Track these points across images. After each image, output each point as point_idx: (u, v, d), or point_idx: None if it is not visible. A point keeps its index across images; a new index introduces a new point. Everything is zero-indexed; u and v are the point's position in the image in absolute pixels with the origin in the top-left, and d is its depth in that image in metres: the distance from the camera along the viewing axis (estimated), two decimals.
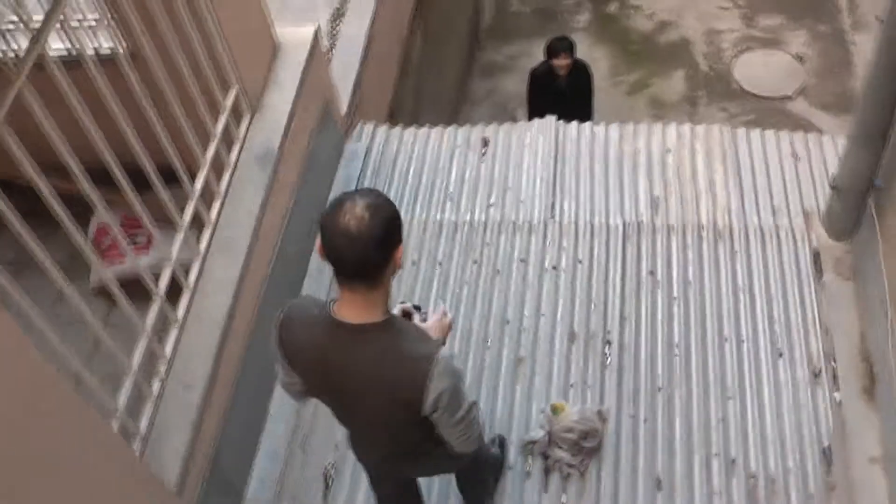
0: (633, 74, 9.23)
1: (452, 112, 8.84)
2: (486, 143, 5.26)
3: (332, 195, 5.07)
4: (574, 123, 5.33)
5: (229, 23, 4.18)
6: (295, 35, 4.87)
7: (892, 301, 3.82)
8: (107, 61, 3.45)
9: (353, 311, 2.51)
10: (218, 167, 4.26)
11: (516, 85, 7.97)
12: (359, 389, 2.62)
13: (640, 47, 9.51)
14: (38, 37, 2.99)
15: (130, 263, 3.68)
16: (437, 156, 5.27)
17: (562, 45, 6.91)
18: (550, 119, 5.36)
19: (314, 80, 4.87)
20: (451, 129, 5.41)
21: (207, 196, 4.15)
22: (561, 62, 6.85)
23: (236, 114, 4.41)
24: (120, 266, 4.66)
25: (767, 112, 8.80)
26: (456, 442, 2.81)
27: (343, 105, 5.30)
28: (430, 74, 7.80)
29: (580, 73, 7.04)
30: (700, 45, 9.49)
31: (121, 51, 3.67)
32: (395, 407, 2.62)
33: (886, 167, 4.05)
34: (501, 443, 4.09)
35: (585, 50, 9.52)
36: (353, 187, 5.09)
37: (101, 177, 3.33)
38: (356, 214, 2.33)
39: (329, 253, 2.40)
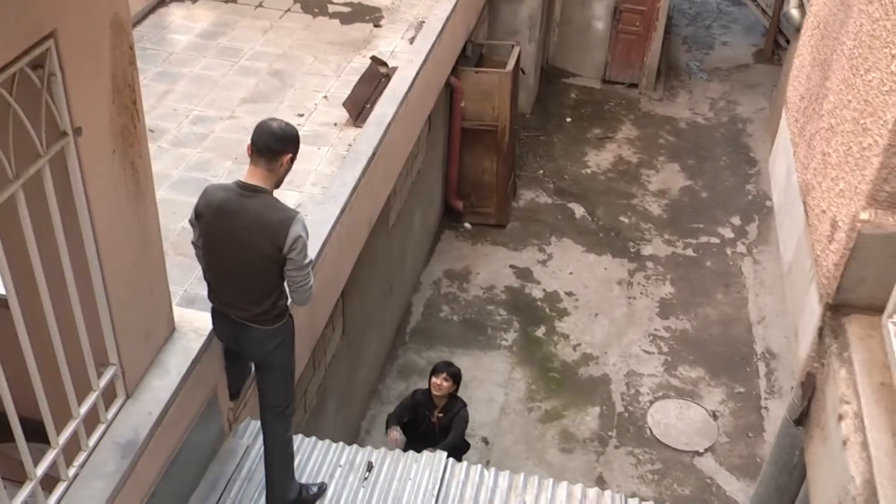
0: (548, 402, 9.15)
1: (360, 408, 8.61)
2: (370, 467, 4.99)
3: (196, 496, 4.72)
4: (465, 464, 5.08)
5: (122, 297, 4.01)
6: (195, 319, 4.71)
7: None
8: None
9: (253, 178, 4.09)
10: (73, 448, 3.95)
11: None
12: (245, 226, 4.06)
13: (560, 376, 9.50)
14: None
15: None
16: (317, 472, 4.97)
17: (446, 367, 6.56)
18: (441, 455, 5.11)
19: (206, 368, 4.65)
20: (337, 445, 5.14)
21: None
22: (439, 381, 6.46)
23: (109, 394, 4.15)
24: None
25: (675, 464, 8.69)
26: (296, 286, 4.20)
27: None
28: (342, 368, 7.63)
29: (456, 417, 6.52)
30: (619, 384, 9.51)
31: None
32: (265, 241, 4.05)
33: None
34: (321, 489, 4.85)
35: (506, 369, 9.52)
36: (220, 490, 4.74)
37: None
38: (278, 123, 4.11)
39: (254, 141, 4.04)
